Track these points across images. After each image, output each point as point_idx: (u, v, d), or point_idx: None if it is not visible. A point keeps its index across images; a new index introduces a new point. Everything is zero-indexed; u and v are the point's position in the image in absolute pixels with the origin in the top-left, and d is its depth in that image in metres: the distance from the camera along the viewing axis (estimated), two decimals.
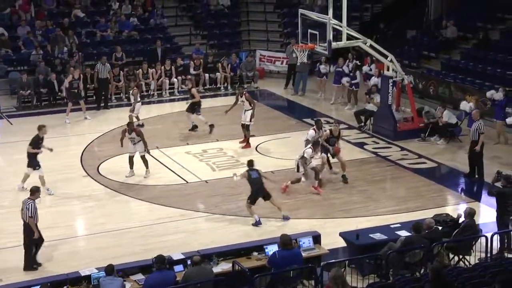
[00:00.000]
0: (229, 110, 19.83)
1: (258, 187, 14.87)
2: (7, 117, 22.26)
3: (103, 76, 23.32)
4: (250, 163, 15.17)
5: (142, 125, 20.57)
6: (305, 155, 16.36)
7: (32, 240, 13.14)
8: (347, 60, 23.48)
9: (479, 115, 17.51)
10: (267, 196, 15.01)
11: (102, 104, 23.21)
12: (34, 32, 25.55)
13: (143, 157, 17.40)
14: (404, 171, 17.97)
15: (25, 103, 23.42)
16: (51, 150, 16.75)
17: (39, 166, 16.50)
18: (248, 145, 19.29)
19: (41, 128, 16.74)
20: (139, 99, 21.08)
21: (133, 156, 17.42)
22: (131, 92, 21.71)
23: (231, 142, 19.87)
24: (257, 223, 14.75)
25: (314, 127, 17.62)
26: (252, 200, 14.84)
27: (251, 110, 19.31)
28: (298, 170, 16.49)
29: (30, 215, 13.04)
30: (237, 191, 16.66)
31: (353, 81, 22.97)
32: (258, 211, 15.08)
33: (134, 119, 20.04)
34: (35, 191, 13.36)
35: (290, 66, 25.59)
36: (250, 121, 19.29)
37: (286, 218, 14.97)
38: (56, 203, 16.10)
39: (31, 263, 13.16)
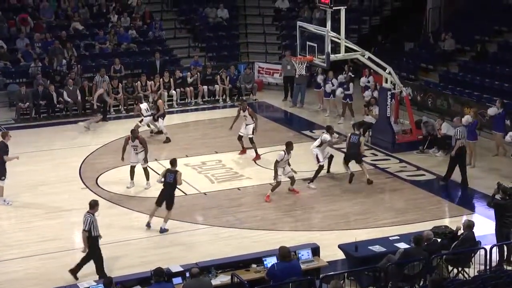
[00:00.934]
0: (233, 125, 19.87)
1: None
2: (6, 129, 22.23)
3: (103, 88, 23.31)
4: None
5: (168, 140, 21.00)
6: (322, 139, 17.54)
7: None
8: (344, 72, 23.52)
9: (460, 122, 18.20)
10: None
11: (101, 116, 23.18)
12: (33, 45, 25.60)
13: (145, 169, 17.42)
14: (403, 183, 17.97)
15: (24, 116, 23.43)
16: (17, 158, 16.89)
17: (5, 177, 16.47)
18: (257, 156, 19.37)
19: (5, 135, 16.88)
20: (149, 112, 21.12)
21: (135, 166, 17.42)
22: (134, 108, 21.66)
23: (230, 154, 19.88)
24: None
25: (325, 132, 17.97)
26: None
27: (253, 124, 19.41)
28: (318, 161, 17.53)
29: (84, 229, 12.89)
30: (236, 203, 16.68)
31: (346, 93, 22.92)
32: (259, 223, 15.08)
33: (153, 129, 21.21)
34: (94, 205, 13.18)
35: (286, 78, 25.65)
36: (252, 133, 19.37)
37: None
38: (55, 215, 16.06)
39: (102, 271, 12.99)
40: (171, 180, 14.93)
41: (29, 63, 24.97)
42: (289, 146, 16.86)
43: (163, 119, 21.36)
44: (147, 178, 17.42)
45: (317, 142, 17.90)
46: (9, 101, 24.14)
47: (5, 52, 25.11)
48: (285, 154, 16.73)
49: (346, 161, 17.85)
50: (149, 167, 17.74)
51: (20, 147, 20.43)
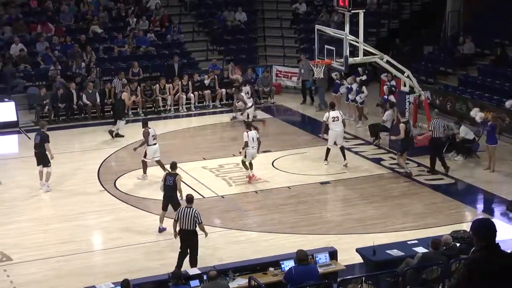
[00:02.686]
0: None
1: None
2: (25, 131, 22.42)
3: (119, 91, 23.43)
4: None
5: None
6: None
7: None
8: (359, 75, 23.47)
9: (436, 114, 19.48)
10: None
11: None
12: (52, 48, 25.78)
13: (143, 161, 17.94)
14: (421, 187, 17.87)
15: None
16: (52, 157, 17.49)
17: (50, 163, 17.43)
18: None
19: (44, 125, 17.60)
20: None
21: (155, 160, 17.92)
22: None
23: None
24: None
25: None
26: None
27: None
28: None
29: (199, 222, 13.11)
30: (254, 206, 16.67)
31: (357, 96, 22.85)
32: (276, 226, 15.05)
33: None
34: (191, 200, 13.40)
35: (303, 82, 25.64)
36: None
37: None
38: (73, 217, 16.14)
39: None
40: (170, 183, 14.93)
41: (48, 66, 25.15)
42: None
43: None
44: (144, 172, 18.01)
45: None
46: (29, 103, 24.31)
47: (26, 55, 25.31)
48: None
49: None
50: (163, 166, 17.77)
51: None
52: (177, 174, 15.15)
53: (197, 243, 13.29)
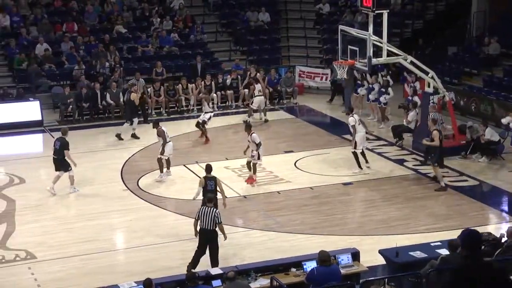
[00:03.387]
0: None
1: None
2: (50, 131, 22.60)
3: (140, 91, 23.19)
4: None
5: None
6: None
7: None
8: (382, 76, 23.34)
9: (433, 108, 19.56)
10: None
11: (142, 119, 23.31)
12: (77, 48, 25.97)
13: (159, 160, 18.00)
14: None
15: (67, 117, 23.76)
16: (75, 165, 17.44)
17: (71, 168, 17.34)
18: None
19: (65, 132, 17.56)
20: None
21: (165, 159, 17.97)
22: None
23: (270, 157, 19.84)
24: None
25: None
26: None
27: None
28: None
29: (219, 222, 13.14)
30: (276, 207, 16.64)
31: (381, 97, 22.73)
32: (299, 227, 15.02)
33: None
34: (211, 200, 13.48)
35: (333, 82, 25.57)
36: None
37: None
38: (96, 216, 16.24)
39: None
40: (212, 187, 14.74)
41: (73, 65, 25.33)
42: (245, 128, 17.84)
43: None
44: (161, 170, 18.06)
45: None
46: (53, 103, 24.50)
47: (50, 55, 25.51)
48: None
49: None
50: (191, 170, 17.82)
51: None
52: (215, 177, 14.95)
53: (217, 243, 13.29)
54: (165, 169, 18.21)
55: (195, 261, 13.13)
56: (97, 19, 27.72)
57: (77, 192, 17.45)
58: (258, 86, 23.29)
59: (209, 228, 13.13)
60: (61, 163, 17.30)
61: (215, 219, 13.09)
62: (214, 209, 13.20)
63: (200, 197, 14.65)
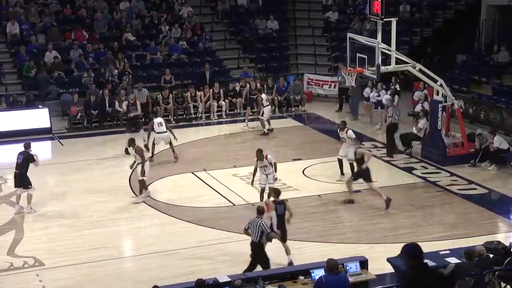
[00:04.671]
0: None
1: None
2: (59, 138, 22.66)
3: (141, 101, 23.12)
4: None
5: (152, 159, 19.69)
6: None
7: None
8: (391, 84, 23.29)
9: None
10: None
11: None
12: (86, 55, 26.06)
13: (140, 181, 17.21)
14: (453, 197, 17.66)
15: (76, 125, 23.81)
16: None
17: (31, 186, 16.63)
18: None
19: (28, 146, 16.78)
20: (163, 129, 19.58)
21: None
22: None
23: (278, 165, 19.76)
24: None
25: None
26: None
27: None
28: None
29: (267, 232, 13.04)
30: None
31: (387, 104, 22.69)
32: (307, 235, 14.98)
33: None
34: (262, 211, 13.31)
35: (340, 90, 25.55)
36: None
37: None
38: (104, 224, 16.25)
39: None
40: (281, 211, 14.09)
41: (82, 73, 25.41)
42: (257, 153, 16.55)
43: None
44: (140, 192, 17.21)
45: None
46: (62, 110, 24.58)
47: (60, 62, 25.61)
48: (257, 161, 16.43)
49: None
50: (198, 177, 17.79)
51: (71, 155, 20.85)
52: (284, 201, 14.22)
53: (265, 254, 13.05)
54: (144, 190, 17.39)
55: (249, 270, 13.02)
56: (106, 26, 27.81)
57: (84, 198, 17.39)
58: (264, 96, 23.17)
59: (256, 240, 12.99)
60: (23, 179, 16.53)
61: (261, 229, 12.91)
62: (261, 220, 13.03)
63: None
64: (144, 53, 26.97)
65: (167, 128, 19.93)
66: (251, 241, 13.09)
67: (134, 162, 17.49)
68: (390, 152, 20.63)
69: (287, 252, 13.90)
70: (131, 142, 17.64)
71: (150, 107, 23.94)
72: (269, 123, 22.96)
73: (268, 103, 23.07)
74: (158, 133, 19.77)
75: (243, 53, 28.55)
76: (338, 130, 18.64)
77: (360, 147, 18.50)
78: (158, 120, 20.00)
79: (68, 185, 18.34)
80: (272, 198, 14.24)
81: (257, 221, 13.02)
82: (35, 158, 16.68)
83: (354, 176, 17.09)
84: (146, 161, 17.30)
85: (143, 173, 17.09)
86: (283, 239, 13.89)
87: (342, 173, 18.55)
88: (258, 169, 16.75)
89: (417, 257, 7.17)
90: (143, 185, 17.26)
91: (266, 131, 22.72)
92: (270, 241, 13.35)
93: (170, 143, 19.92)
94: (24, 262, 14.31)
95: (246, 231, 13.24)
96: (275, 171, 16.70)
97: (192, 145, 21.63)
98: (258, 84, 24.66)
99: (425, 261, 7.31)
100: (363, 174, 16.74)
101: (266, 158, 16.44)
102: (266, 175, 16.50)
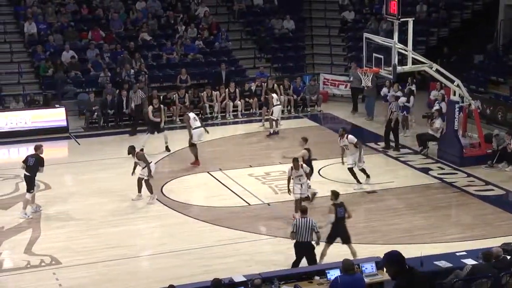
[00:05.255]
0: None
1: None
2: (75, 137, 22.78)
3: (136, 103, 23.06)
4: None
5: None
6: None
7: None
8: (407, 84, 23.20)
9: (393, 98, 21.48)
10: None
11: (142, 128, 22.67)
12: (102, 55, 26.16)
13: (140, 180, 17.19)
14: (470, 198, 17.57)
15: (92, 124, 23.92)
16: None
17: (33, 190, 16.45)
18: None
19: (38, 148, 16.59)
20: (198, 124, 19.79)
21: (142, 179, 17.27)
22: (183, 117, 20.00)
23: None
24: None
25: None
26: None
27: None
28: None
29: (316, 231, 13.05)
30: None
31: (405, 104, 22.55)
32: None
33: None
34: (306, 210, 13.29)
35: (353, 90, 25.48)
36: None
37: None
38: (120, 222, 16.31)
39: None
40: (342, 214, 13.97)
41: (98, 73, 25.52)
42: (293, 162, 16.05)
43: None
44: (139, 191, 17.25)
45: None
46: (79, 109, 24.70)
47: (76, 62, 25.73)
48: (292, 169, 16.00)
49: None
50: (213, 176, 17.77)
51: (88, 155, 20.95)
52: (343, 203, 13.97)
53: (314, 254, 13.08)
54: (142, 193, 17.48)
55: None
56: (123, 26, 27.91)
57: (99, 197, 17.44)
58: (275, 96, 23.02)
59: (305, 240, 12.96)
60: (31, 182, 16.37)
61: (313, 229, 12.90)
62: (310, 219, 13.02)
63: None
64: (160, 53, 27.03)
65: (200, 123, 19.96)
66: (296, 241, 12.99)
67: (135, 168, 17.43)
68: (387, 146, 21.01)
69: (353, 254, 13.65)
70: (131, 149, 17.45)
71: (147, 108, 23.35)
72: (277, 124, 22.76)
73: (278, 103, 22.95)
74: (194, 128, 19.67)
75: (259, 53, 28.54)
76: (339, 139, 17.69)
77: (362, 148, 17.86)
78: (192, 115, 20.04)
79: (84, 184, 18.43)
80: (330, 202, 13.89)
81: (306, 221, 12.93)
82: (43, 163, 16.48)
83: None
84: (150, 162, 17.31)
85: (150, 174, 17.09)
86: (347, 241, 13.81)
87: (358, 182, 17.91)
88: (292, 178, 16.14)
89: (401, 262, 7.47)
90: (149, 186, 17.22)
91: (271, 132, 22.58)
92: (318, 244, 13.20)
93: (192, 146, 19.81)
94: (41, 261, 14.40)
95: (292, 234, 13.07)
96: (309, 179, 16.48)
97: (207, 145, 21.65)
98: (270, 84, 24.56)
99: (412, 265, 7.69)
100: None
101: (302, 167, 16.11)
102: (301, 184, 16.12)
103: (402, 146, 21.29)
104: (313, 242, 13.17)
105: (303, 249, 13.06)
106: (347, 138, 17.62)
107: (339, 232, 13.77)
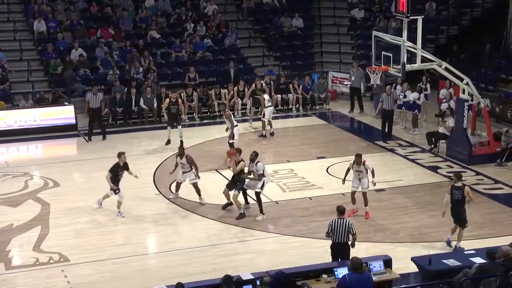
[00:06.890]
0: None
1: None
2: (84, 135, 22.82)
3: (94, 106, 22.44)
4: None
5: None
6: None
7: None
8: (421, 83, 23.13)
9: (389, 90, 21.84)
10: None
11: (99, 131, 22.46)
12: (111, 53, 26.21)
13: (194, 185, 17.11)
14: (479, 197, 17.48)
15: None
16: (136, 177, 16.76)
17: (119, 190, 16.52)
18: None
19: (120, 155, 16.69)
20: (235, 122, 20.20)
21: (181, 183, 17.25)
22: (224, 116, 20.46)
23: (302, 163, 19.82)
24: None
25: None
26: None
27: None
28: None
29: (353, 233, 12.88)
30: (308, 213, 16.58)
31: (416, 102, 22.51)
32: None
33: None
34: (343, 211, 13.06)
35: (352, 89, 25.39)
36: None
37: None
38: (129, 220, 16.34)
39: None
40: (459, 197, 14.12)
41: (107, 70, 25.57)
42: (356, 157, 16.11)
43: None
44: (199, 194, 17.08)
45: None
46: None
47: (85, 60, 25.79)
48: (354, 164, 16.13)
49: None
50: (222, 175, 17.79)
51: (96, 152, 20.99)
52: (464, 186, 14.21)
53: (349, 256, 12.85)
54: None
55: None
56: (132, 24, 27.95)
57: (111, 199, 17.51)
58: (266, 97, 22.53)
59: (341, 241, 12.85)
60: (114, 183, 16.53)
61: (349, 230, 12.80)
62: (347, 220, 12.92)
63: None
64: (169, 51, 27.05)
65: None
66: (333, 242, 12.88)
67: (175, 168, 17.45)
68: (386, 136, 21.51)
69: (459, 239, 14.34)
70: (182, 150, 17.30)
71: (104, 112, 23.11)
72: (270, 125, 22.43)
73: (270, 104, 22.51)
74: (267, 107, 21.89)
75: (267, 51, 28.53)
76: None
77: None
78: (267, 96, 22.25)
79: (93, 181, 18.46)
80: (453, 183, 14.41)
81: (342, 222, 12.81)
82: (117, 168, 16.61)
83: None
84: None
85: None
86: (462, 225, 14.33)
87: (365, 204, 16.61)
88: (352, 172, 16.17)
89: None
90: (197, 189, 17.19)
91: (264, 134, 22.29)
92: (354, 246, 13.00)
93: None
94: (50, 258, 14.45)
95: (328, 235, 12.99)
96: (373, 176, 16.28)
97: (216, 143, 21.67)
98: (262, 83, 24.28)
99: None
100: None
101: (364, 164, 16.04)
102: (359, 179, 16.12)
103: (410, 144, 21.23)
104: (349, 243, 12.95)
105: (339, 250, 12.90)
106: (364, 164, 16.32)
107: (455, 214, 14.30)
